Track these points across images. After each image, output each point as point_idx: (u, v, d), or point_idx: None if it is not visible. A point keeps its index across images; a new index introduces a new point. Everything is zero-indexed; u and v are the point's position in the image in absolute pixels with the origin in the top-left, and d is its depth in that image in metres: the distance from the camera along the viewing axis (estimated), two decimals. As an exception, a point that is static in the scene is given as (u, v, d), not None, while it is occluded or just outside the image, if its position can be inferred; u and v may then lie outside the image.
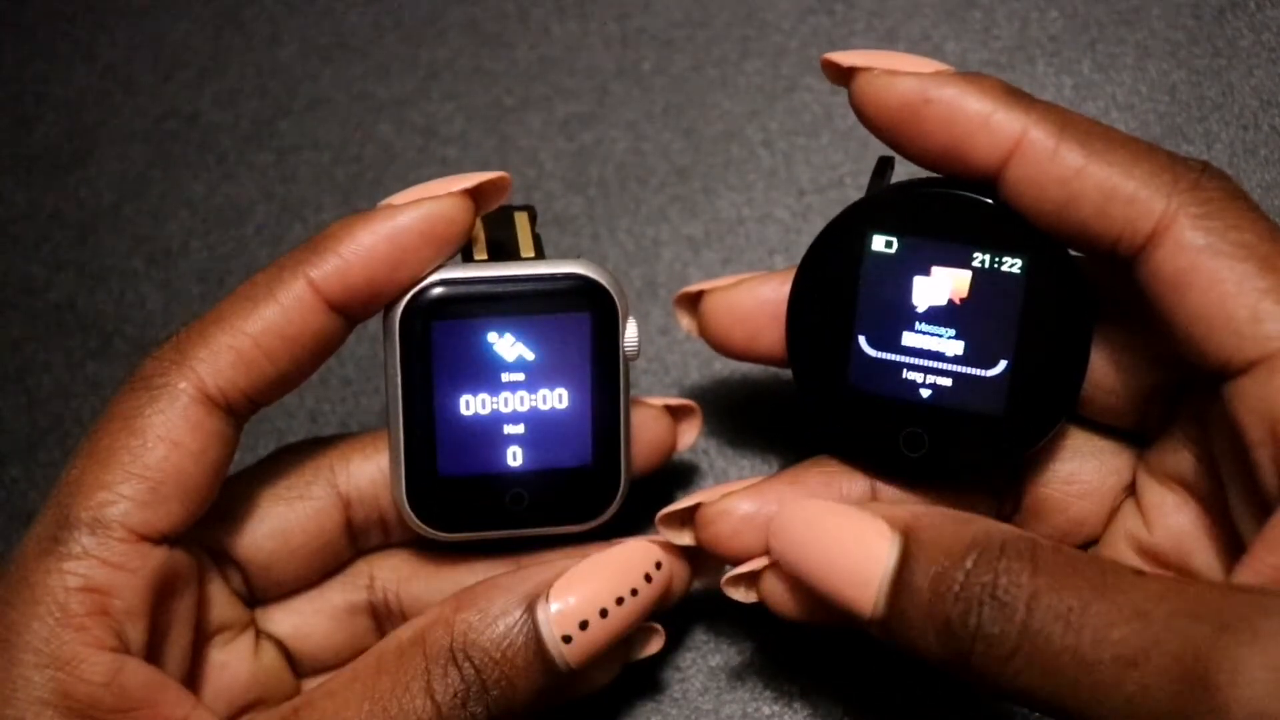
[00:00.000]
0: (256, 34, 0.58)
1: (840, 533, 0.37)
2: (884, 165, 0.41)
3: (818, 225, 0.41)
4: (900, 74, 0.38)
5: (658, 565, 0.40)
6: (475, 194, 0.39)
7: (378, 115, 0.57)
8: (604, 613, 0.39)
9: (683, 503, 0.42)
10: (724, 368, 0.51)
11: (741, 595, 0.41)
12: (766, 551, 0.41)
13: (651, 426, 0.44)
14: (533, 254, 0.41)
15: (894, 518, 0.36)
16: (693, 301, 0.44)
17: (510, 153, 0.55)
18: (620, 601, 0.39)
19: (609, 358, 0.41)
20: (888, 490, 0.41)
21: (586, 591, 0.39)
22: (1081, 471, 0.41)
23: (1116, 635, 0.32)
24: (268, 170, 0.56)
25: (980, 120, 0.37)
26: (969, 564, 0.34)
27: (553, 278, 0.40)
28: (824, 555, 0.37)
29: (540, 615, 0.38)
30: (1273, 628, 0.30)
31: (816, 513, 0.38)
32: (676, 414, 0.45)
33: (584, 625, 0.38)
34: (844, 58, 0.39)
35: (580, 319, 0.40)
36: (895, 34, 0.55)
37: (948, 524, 0.36)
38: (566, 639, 0.38)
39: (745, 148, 0.55)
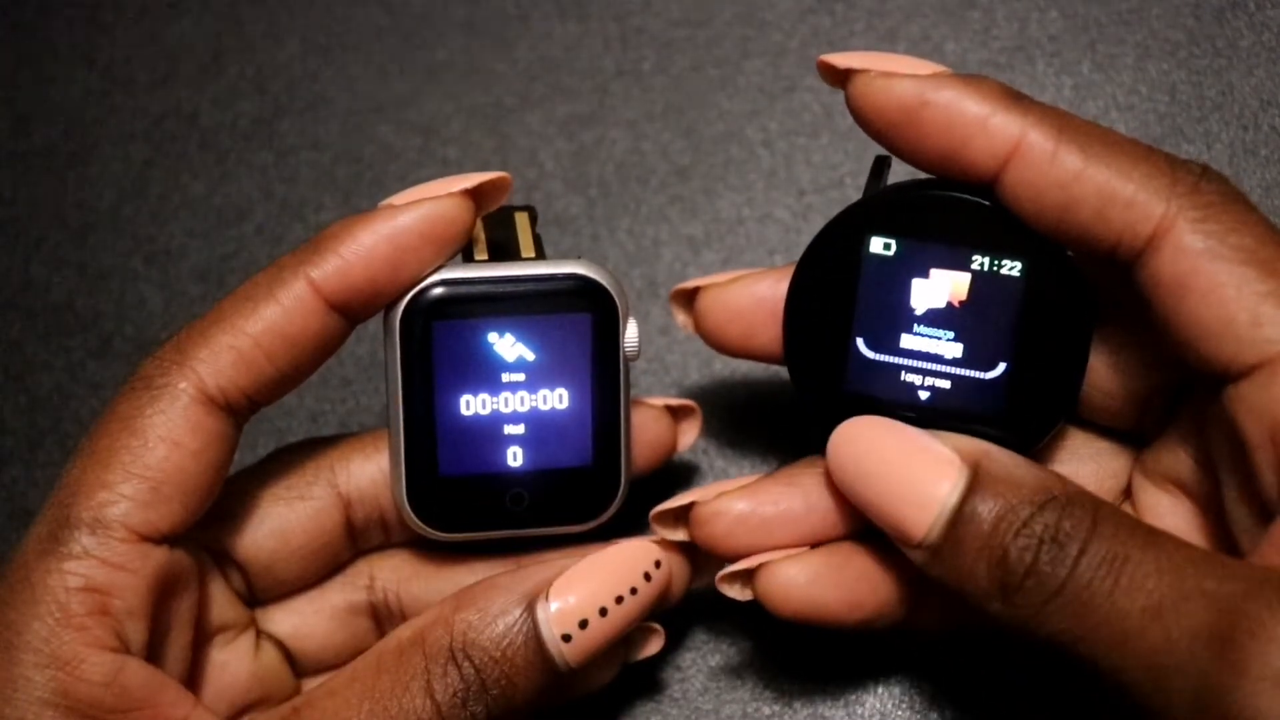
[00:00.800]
0: (256, 34, 0.58)
1: (905, 452, 0.37)
2: (881, 165, 0.41)
3: (818, 225, 0.41)
4: (897, 76, 0.37)
5: (657, 564, 0.40)
6: (476, 194, 0.39)
7: (378, 115, 0.57)
8: (603, 612, 0.39)
9: (676, 500, 0.42)
10: (724, 368, 0.51)
11: (736, 593, 0.41)
12: (761, 551, 0.41)
13: (652, 427, 0.44)
14: (533, 254, 0.41)
15: (963, 449, 0.37)
16: (688, 298, 0.44)
17: (510, 153, 0.55)
18: (620, 600, 0.39)
19: (609, 358, 0.41)
20: None
21: (586, 590, 0.39)
22: (1079, 473, 0.41)
23: (1150, 585, 0.32)
24: (268, 170, 0.56)
25: (978, 123, 0.37)
26: (1036, 505, 0.35)
27: (553, 278, 0.40)
28: (885, 471, 0.37)
29: (540, 614, 0.38)
30: None
31: (883, 429, 0.38)
32: (677, 414, 0.45)
33: (584, 624, 0.38)
34: (840, 59, 0.38)
35: (581, 319, 0.40)
36: (895, 34, 0.55)
37: (1018, 466, 0.37)
38: (566, 638, 0.38)
39: (745, 148, 0.55)
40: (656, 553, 0.41)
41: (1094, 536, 0.34)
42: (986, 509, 0.35)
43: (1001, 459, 0.37)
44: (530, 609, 0.38)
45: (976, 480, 0.36)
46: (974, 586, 0.35)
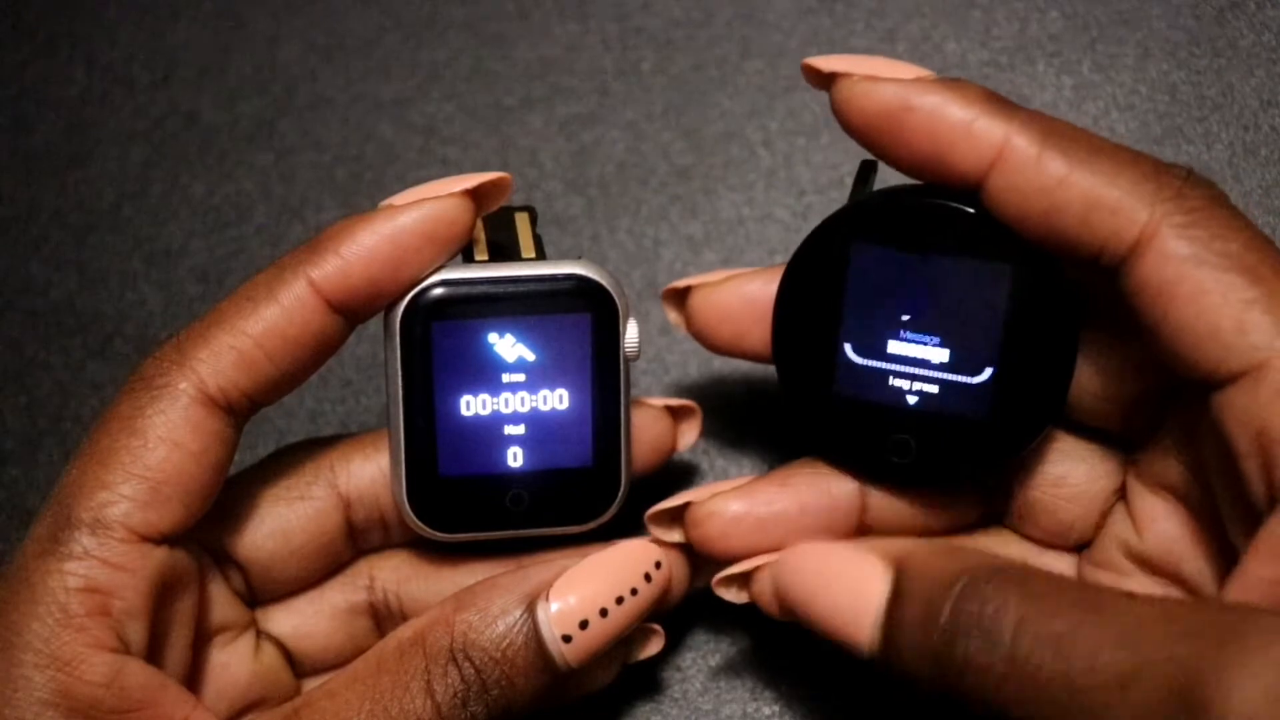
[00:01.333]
0: (256, 34, 0.58)
1: (837, 571, 0.37)
2: (867, 170, 0.41)
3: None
4: (881, 80, 0.37)
5: (657, 565, 0.40)
6: (476, 194, 0.39)
7: (378, 115, 0.57)
8: (604, 612, 0.39)
9: (671, 501, 0.42)
10: (724, 367, 0.51)
11: (733, 596, 0.41)
12: (757, 552, 0.41)
13: (652, 427, 0.44)
14: (533, 254, 0.41)
15: (887, 552, 0.36)
16: (680, 297, 0.44)
17: (510, 153, 0.55)
18: (620, 601, 0.39)
19: (609, 358, 0.41)
20: (876, 492, 0.42)
21: (586, 591, 0.39)
22: (1070, 475, 0.41)
23: (1107, 659, 0.31)
24: (268, 170, 0.56)
25: (962, 128, 0.37)
26: (954, 594, 0.34)
27: (553, 278, 0.40)
28: (823, 594, 0.37)
29: (540, 615, 0.38)
30: (1263, 643, 0.29)
31: (815, 554, 0.38)
32: (677, 414, 0.45)
33: (584, 625, 0.38)
34: (824, 63, 0.38)
35: (581, 319, 0.40)
36: (895, 34, 0.55)
37: (938, 556, 0.36)
38: (566, 638, 0.38)
39: (745, 148, 0.55)
40: (657, 553, 0.41)
41: (1026, 615, 0.32)
42: (911, 611, 0.35)
43: (922, 553, 0.36)
44: (531, 609, 0.38)
45: (899, 581, 0.35)
46: (926, 688, 0.35)
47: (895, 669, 0.35)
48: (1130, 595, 0.33)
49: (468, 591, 0.39)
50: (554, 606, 0.38)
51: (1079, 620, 0.32)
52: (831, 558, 0.38)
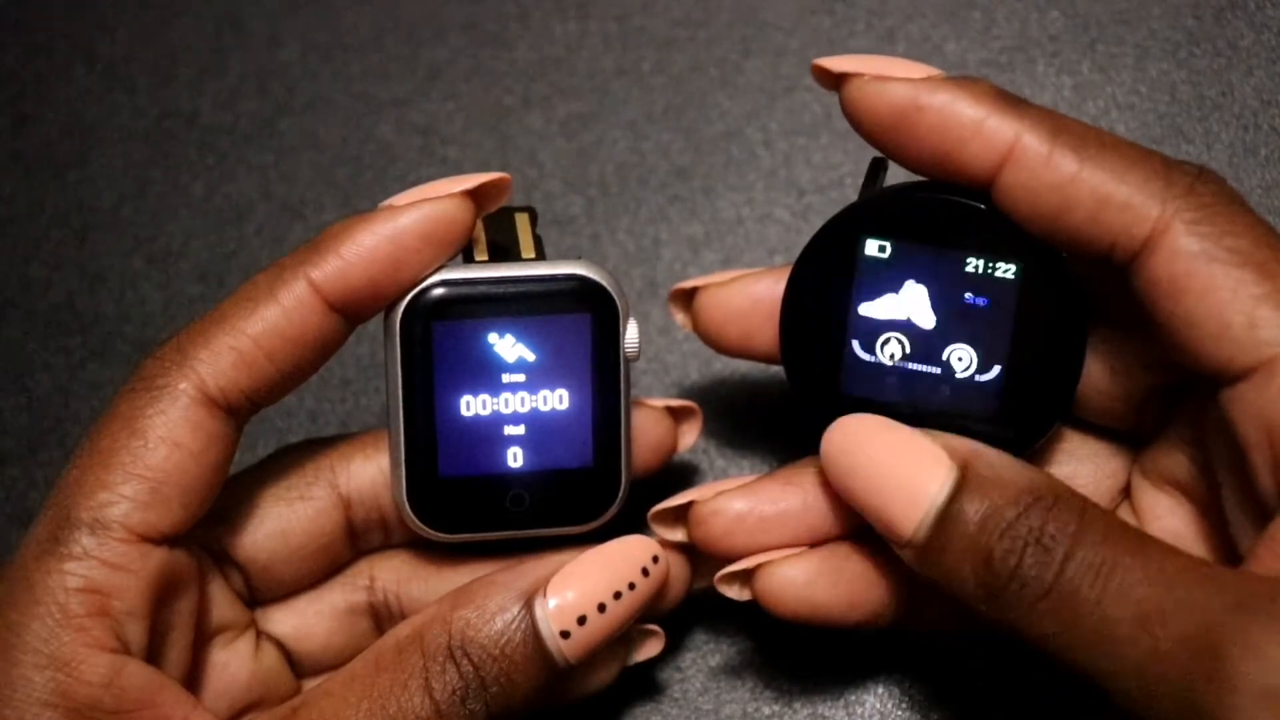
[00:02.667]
0: (256, 34, 0.58)
1: (896, 450, 0.37)
2: (877, 168, 0.41)
3: (818, 225, 0.41)
4: (891, 80, 0.37)
5: (655, 559, 0.40)
6: (476, 195, 0.39)
7: (378, 115, 0.57)
8: (602, 608, 0.39)
9: (674, 500, 0.42)
10: (724, 368, 0.51)
11: (735, 593, 0.41)
12: (761, 550, 0.41)
13: (652, 428, 0.44)
14: (533, 255, 0.41)
15: (953, 448, 0.37)
16: (687, 298, 0.44)
17: (510, 153, 0.55)
18: (618, 596, 0.39)
19: (609, 358, 0.41)
20: None
21: (584, 587, 0.39)
22: (1077, 474, 0.42)
23: (1139, 594, 0.32)
24: (268, 170, 0.56)
25: (973, 127, 0.37)
26: (1022, 506, 0.35)
27: (553, 278, 0.40)
28: (876, 469, 0.37)
29: (538, 611, 0.38)
30: None
31: (875, 426, 0.38)
32: (677, 415, 0.45)
33: (582, 620, 0.38)
34: (834, 63, 0.38)
35: (581, 320, 0.40)
36: (895, 34, 0.55)
37: (1006, 466, 0.36)
38: (565, 634, 0.38)
39: (745, 148, 0.55)
40: (654, 548, 0.41)
41: (1080, 541, 0.34)
42: (973, 509, 0.35)
43: (991, 459, 0.37)
44: (528, 606, 0.38)
45: (965, 480, 0.36)
46: (960, 587, 0.35)
47: (931, 562, 0.36)
48: (1171, 547, 0.34)
49: (465, 589, 0.39)
50: (551, 602, 0.38)
51: (1122, 555, 0.33)
52: (893, 434, 0.38)
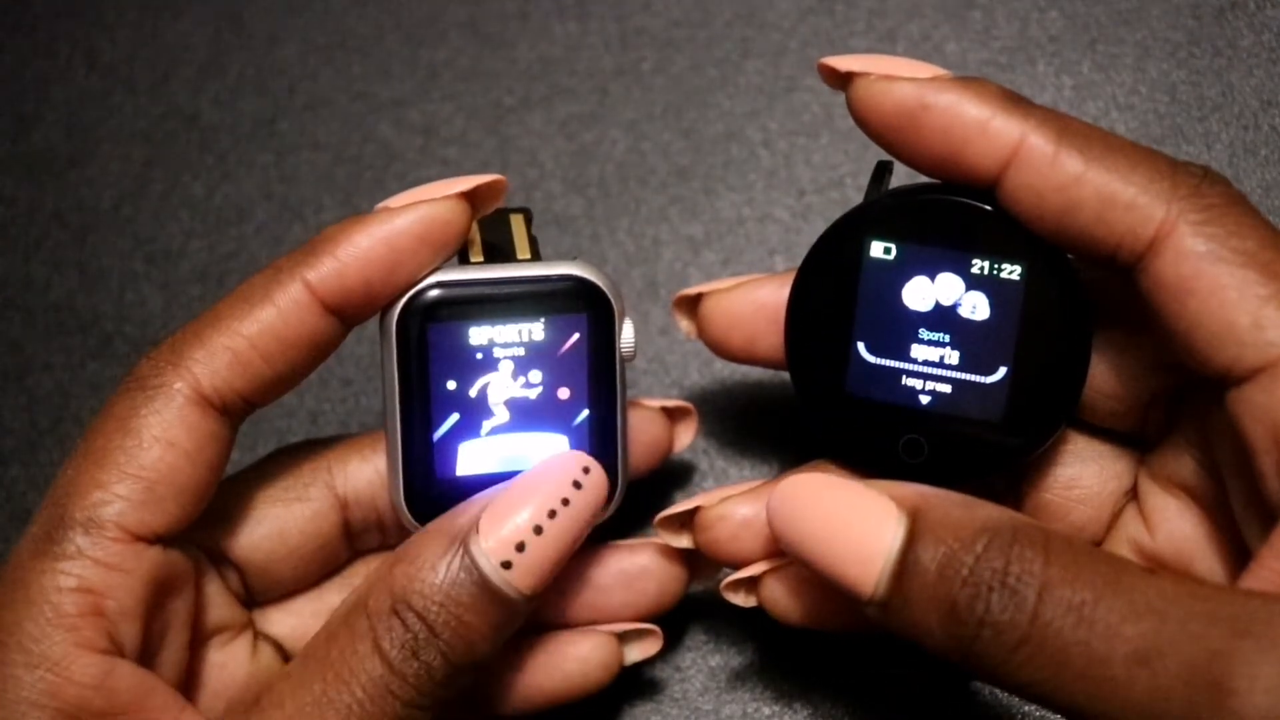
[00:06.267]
0: (256, 34, 0.58)
1: (843, 508, 0.36)
2: (882, 170, 0.41)
3: (818, 225, 0.41)
4: (897, 79, 0.37)
5: (586, 470, 0.39)
6: (472, 197, 0.39)
7: (378, 115, 0.57)
8: (539, 530, 0.38)
9: (681, 506, 0.42)
10: (724, 368, 0.51)
11: (741, 600, 0.41)
12: (766, 556, 0.41)
13: (648, 428, 0.44)
14: (529, 256, 0.41)
15: (901, 496, 0.36)
16: (691, 304, 0.44)
17: (510, 153, 0.55)
18: (553, 515, 0.38)
19: (606, 359, 0.41)
20: None
21: (514, 513, 0.38)
22: (1082, 476, 0.41)
23: (1130, 632, 0.31)
24: (268, 170, 0.56)
25: (978, 126, 0.37)
26: (979, 548, 0.34)
27: (548, 279, 0.40)
28: (825, 531, 0.36)
29: (474, 549, 0.37)
30: None
31: (818, 486, 0.37)
32: (673, 415, 0.45)
33: (521, 547, 0.37)
34: (840, 62, 0.38)
35: (576, 320, 0.40)
36: (895, 34, 0.55)
37: (956, 507, 0.35)
38: (507, 565, 0.37)
39: (745, 148, 0.55)
40: (583, 460, 0.40)
41: (1051, 580, 0.33)
42: (928, 556, 0.34)
43: (940, 502, 0.36)
44: (464, 545, 0.37)
45: (915, 527, 0.35)
46: (930, 641, 0.34)
47: (898, 618, 0.35)
48: (1150, 570, 0.33)
49: (401, 548, 0.38)
50: (486, 537, 0.38)
51: (1103, 590, 0.32)
52: (838, 492, 0.37)
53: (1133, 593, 0.32)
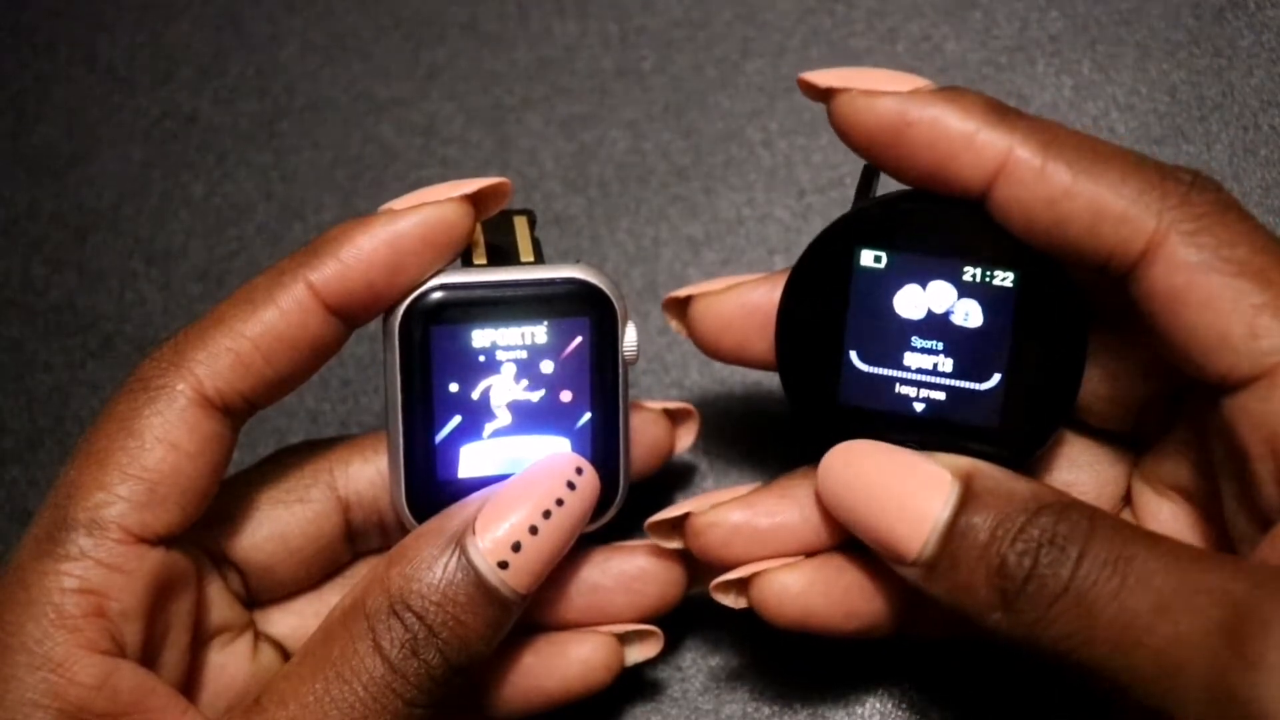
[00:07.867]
0: (256, 34, 0.58)
1: (899, 470, 0.37)
2: (870, 175, 0.40)
3: (818, 225, 0.41)
4: (879, 95, 0.37)
5: (579, 470, 0.40)
6: (476, 199, 0.39)
7: (378, 115, 0.57)
8: (534, 530, 0.38)
9: (671, 511, 0.42)
10: (724, 369, 0.51)
11: (731, 601, 0.41)
12: (756, 560, 0.41)
13: (650, 430, 0.44)
14: (532, 258, 0.41)
15: (955, 466, 0.37)
16: (682, 305, 0.44)
17: (510, 153, 0.55)
18: (548, 515, 0.39)
19: (608, 362, 0.41)
20: None
21: (510, 513, 0.38)
22: (1078, 481, 0.41)
23: (1157, 583, 0.32)
24: (268, 170, 0.56)
25: (963, 141, 0.36)
26: (1031, 512, 0.35)
27: (552, 282, 0.40)
28: (878, 490, 0.37)
29: (470, 549, 0.38)
30: None
31: (873, 450, 0.38)
32: (674, 417, 0.45)
33: (517, 547, 0.38)
34: (820, 78, 0.38)
35: (579, 323, 0.40)
36: (895, 34, 0.55)
37: (1008, 479, 0.37)
38: (503, 565, 0.38)
39: (745, 148, 0.55)
40: (576, 460, 0.40)
41: (1093, 538, 0.34)
42: (981, 520, 0.35)
43: (993, 473, 0.37)
44: (460, 546, 0.38)
45: (968, 494, 0.36)
46: (973, 599, 0.35)
47: (944, 580, 0.36)
48: (1182, 542, 0.34)
49: (396, 548, 0.39)
50: (481, 537, 0.38)
51: (1137, 546, 0.33)
52: (893, 455, 0.38)
53: (1164, 552, 0.33)
